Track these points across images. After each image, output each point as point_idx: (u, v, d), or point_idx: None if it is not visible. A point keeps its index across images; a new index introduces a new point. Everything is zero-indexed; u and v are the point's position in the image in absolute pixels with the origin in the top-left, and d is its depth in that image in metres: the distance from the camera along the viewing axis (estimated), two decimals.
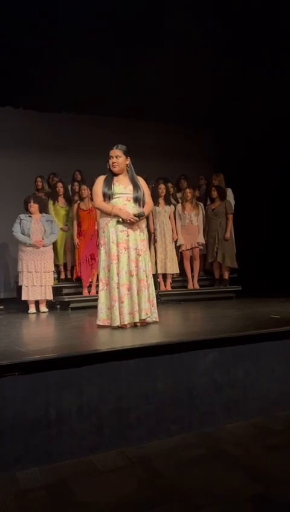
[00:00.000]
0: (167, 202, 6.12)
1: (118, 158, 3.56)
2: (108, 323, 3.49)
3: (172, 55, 5.55)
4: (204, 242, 6.22)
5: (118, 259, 3.44)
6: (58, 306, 5.55)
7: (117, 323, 3.40)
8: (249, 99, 6.58)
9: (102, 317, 3.52)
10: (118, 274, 3.42)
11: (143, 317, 3.47)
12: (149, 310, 3.50)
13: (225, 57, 5.79)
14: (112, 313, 3.42)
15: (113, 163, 3.56)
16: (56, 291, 5.50)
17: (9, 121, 7.06)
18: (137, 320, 3.45)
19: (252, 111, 6.74)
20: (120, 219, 3.45)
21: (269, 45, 5.50)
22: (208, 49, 5.61)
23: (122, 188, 3.55)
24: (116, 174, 3.60)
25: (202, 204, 6.48)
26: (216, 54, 5.71)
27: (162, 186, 6.06)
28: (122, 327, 3.41)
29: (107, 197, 3.53)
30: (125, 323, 3.41)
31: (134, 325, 3.48)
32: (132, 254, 3.46)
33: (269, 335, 2.87)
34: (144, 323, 3.52)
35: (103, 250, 3.54)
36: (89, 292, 5.64)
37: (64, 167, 6.73)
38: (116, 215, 3.47)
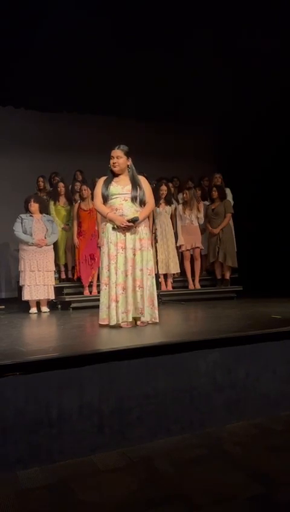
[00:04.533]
0: (168, 203, 6.12)
1: (119, 158, 3.56)
2: (107, 322, 3.51)
3: (172, 54, 5.55)
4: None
5: (116, 259, 3.47)
6: (60, 306, 5.55)
7: (114, 322, 3.43)
8: (249, 99, 6.58)
9: (102, 316, 3.55)
10: (116, 274, 3.46)
11: (135, 315, 3.49)
12: (143, 309, 3.47)
13: (225, 56, 5.79)
14: (110, 312, 3.46)
15: (113, 163, 3.57)
16: (57, 291, 5.50)
17: (10, 121, 7.07)
18: (130, 319, 3.46)
19: (252, 111, 6.74)
20: (115, 225, 3.49)
21: (270, 46, 5.49)
22: (208, 48, 5.60)
23: (120, 188, 3.55)
24: (116, 175, 3.60)
25: (203, 204, 6.48)
26: (216, 53, 5.70)
27: (163, 187, 6.06)
28: (119, 326, 3.44)
29: (104, 198, 3.56)
30: (120, 322, 3.44)
31: (134, 325, 3.49)
32: (129, 254, 3.48)
33: (270, 335, 2.87)
34: (145, 324, 3.52)
35: (102, 251, 3.60)
36: (90, 292, 5.63)
37: (65, 167, 6.74)
38: (110, 221, 3.51)
